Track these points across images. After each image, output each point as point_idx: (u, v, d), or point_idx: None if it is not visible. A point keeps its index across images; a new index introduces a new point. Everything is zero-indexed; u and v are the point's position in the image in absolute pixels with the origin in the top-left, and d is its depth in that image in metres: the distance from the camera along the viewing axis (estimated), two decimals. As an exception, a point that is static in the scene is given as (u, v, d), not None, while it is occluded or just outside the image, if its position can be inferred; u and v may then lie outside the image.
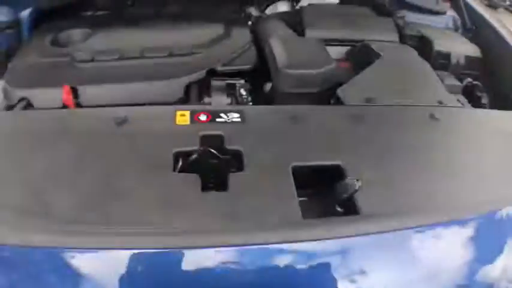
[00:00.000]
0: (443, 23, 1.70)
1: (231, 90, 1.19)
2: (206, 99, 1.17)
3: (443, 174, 0.84)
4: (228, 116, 0.87)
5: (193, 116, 0.87)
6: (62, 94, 1.13)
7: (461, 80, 1.42)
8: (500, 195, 0.81)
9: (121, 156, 0.79)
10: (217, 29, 1.37)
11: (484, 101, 1.27)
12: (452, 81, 1.35)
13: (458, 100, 1.15)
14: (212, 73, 1.21)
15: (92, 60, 1.24)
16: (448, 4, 1.77)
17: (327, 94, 1.12)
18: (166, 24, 1.42)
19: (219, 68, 1.22)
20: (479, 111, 1.17)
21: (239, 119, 0.87)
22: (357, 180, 0.73)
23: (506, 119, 1.07)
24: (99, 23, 1.44)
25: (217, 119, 0.87)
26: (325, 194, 0.81)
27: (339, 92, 1.01)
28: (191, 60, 1.22)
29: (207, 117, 0.87)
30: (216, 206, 0.71)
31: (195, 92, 1.18)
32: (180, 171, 0.77)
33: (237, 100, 1.16)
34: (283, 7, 1.78)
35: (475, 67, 1.39)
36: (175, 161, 0.78)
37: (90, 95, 1.15)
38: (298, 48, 1.17)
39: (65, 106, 1.12)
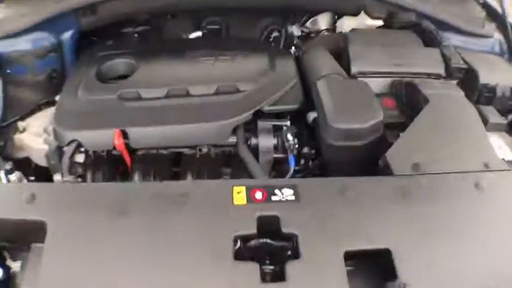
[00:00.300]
0: (489, 47, 1.69)
1: (277, 132, 1.24)
2: (253, 141, 1.23)
3: (481, 253, 0.89)
4: (282, 194, 0.92)
5: (249, 193, 0.92)
6: (112, 137, 1.20)
7: (507, 112, 1.44)
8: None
9: (182, 239, 0.85)
10: (262, 61, 1.39)
11: None
12: (497, 119, 1.37)
13: (504, 160, 1.17)
14: (259, 112, 1.25)
15: (139, 99, 1.28)
16: (493, 25, 1.73)
17: (372, 145, 1.16)
18: (209, 51, 1.43)
19: (266, 108, 1.25)
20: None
21: (293, 197, 0.92)
22: (405, 285, 0.79)
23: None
24: (143, 51, 1.46)
25: (273, 197, 0.92)
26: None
27: (388, 159, 1.04)
28: (238, 100, 1.25)
29: (263, 195, 0.92)
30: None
31: (242, 134, 1.23)
32: (238, 257, 0.84)
33: (283, 142, 1.21)
34: (323, 21, 1.77)
35: None
36: (234, 246, 0.85)
37: (139, 137, 1.21)
38: (347, 96, 1.19)
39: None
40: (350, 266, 0.84)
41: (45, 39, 1.54)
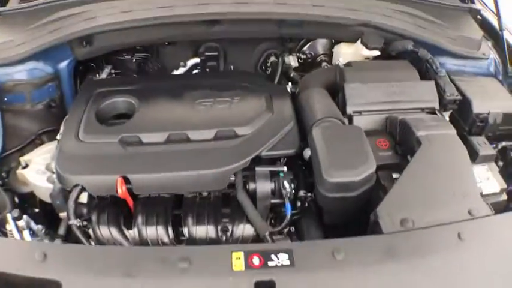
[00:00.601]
0: (485, 68, 1.73)
1: (274, 177, 1.31)
2: (251, 185, 1.30)
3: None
4: (278, 258, 1.01)
5: (247, 258, 1.00)
6: (115, 183, 1.26)
7: (497, 139, 1.51)
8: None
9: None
10: (259, 103, 1.43)
11: None
12: (487, 150, 1.45)
13: (487, 204, 1.24)
14: (256, 157, 1.31)
15: (140, 143, 1.33)
16: (489, 44, 1.76)
17: (365, 193, 1.24)
18: (207, 91, 1.48)
19: (264, 153, 1.31)
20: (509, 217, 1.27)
21: (288, 261, 1.00)
22: None
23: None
24: (142, 89, 1.49)
25: (269, 263, 1.00)
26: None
27: (378, 216, 1.12)
28: (236, 146, 1.31)
29: (260, 260, 1.00)
30: None
31: (240, 179, 1.29)
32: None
33: (280, 188, 1.28)
34: (320, 46, 1.80)
35: None
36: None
37: (141, 184, 1.27)
38: (341, 146, 1.24)
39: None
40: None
41: (41, 69, 1.57)
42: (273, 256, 1.01)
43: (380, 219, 1.12)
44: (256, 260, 1.01)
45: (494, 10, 1.80)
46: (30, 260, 1.03)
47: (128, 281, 0.98)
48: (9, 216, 1.31)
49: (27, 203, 1.50)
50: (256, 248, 1.05)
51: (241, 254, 1.01)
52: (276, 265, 1.00)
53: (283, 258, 1.01)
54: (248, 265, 1.00)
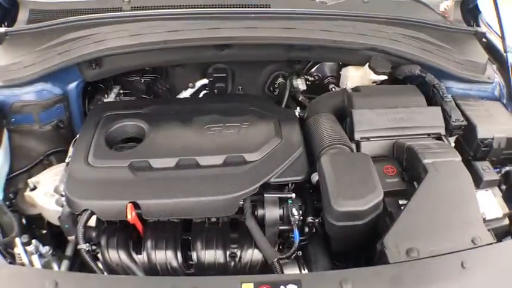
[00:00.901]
0: (489, 92, 1.77)
1: (282, 203, 1.34)
2: (260, 211, 1.33)
3: None
4: (287, 289, 1.04)
5: (257, 289, 1.04)
6: (125, 208, 1.28)
7: (501, 163, 1.55)
8: None
9: None
10: (268, 129, 1.46)
11: None
12: (491, 176, 1.49)
13: (490, 232, 1.28)
14: (265, 183, 1.34)
15: (150, 169, 1.37)
16: (494, 67, 1.81)
17: (372, 220, 1.27)
18: (216, 116, 1.52)
19: (273, 180, 1.34)
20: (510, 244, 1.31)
21: (297, 293, 1.04)
22: None
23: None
24: (151, 113, 1.53)
25: (278, 293, 1.04)
26: None
27: (385, 247, 1.15)
28: (245, 172, 1.34)
29: (269, 291, 1.04)
30: None
31: (249, 205, 1.33)
32: None
33: (288, 214, 1.32)
34: (328, 68, 1.84)
35: None
36: None
37: (151, 209, 1.30)
38: (348, 175, 1.27)
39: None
40: None
41: (49, 90, 1.61)
42: (282, 287, 1.05)
43: (386, 250, 1.15)
44: (265, 291, 1.04)
45: (499, 32, 1.85)
46: None
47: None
48: (18, 241, 1.34)
49: (34, 224, 1.53)
50: (266, 279, 1.08)
51: (251, 286, 1.04)
52: (286, 296, 1.04)
53: (293, 289, 1.05)
54: (258, 296, 1.03)
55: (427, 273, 1.14)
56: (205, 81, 1.91)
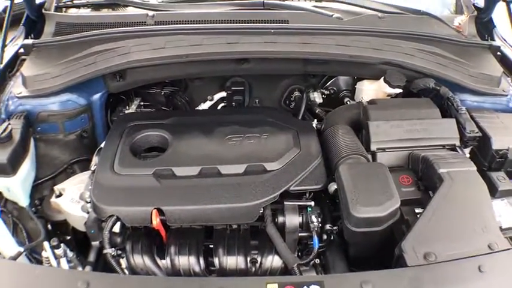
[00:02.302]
0: (504, 104, 1.88)
1: (302, 211, 1.47)
2: (280, 219, 1.45)
3: None
4: (310, 290, 1.16)
5: (282, 289, 1.16)
6: (149, 214, 1.41)
7: None
8: None
9: None
10: (287, 140, 1.60)
11: None
12: (506, 185, 1.60)
13: (506, 238, 1.39)
14: (285, 192, 1.46)
15: (174, 177, 1.50)
16: (509, 80, 1.93)
17: (390, 227, 1.39)
18: (236, 127, 1.65)
19: (292, 188, 1.47)
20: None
21: (320, 294, 1.16)
22: None
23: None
24: (174, 124, 1.67)
25: (302, 293, 1.15)
26: None
27: (404, 251, 1.27)
28: (265, 181, 1.47)
29: (293, 291, 1.16)
30: None
31: (270, 213, 1.45)
32: None
33: (307, 221, 1.44)
34: (343, 82, 1.99)
35: None
36: None
37: (175, 216, 1.42)
38: (366, 183, 1.39)
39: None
40: None
41: (74, 101, 1.75)
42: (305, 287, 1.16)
43: (405, 254, 1.27)
44: (289, 291, 1.16)
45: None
46: None
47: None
48: (46, 245, 1.47)
49: (59, 230, 1.67)
50: (290, 280, 1.19)
51: (275, 286, 1.16)
52: (310, 296, 1.15)
53: (315, 290, 1.16)
54: (282, 295, 1.15)
55: (445, 277, 1.24)
56: (223, 94, 2.06)
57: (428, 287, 1.21)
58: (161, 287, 1.19)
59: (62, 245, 1.47)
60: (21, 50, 1.89)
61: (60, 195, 1.63)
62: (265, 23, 1.90)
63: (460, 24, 2.06)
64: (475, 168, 1.52)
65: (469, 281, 1.23)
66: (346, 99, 2.05)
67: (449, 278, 1.25)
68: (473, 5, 2.20)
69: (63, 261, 1.47)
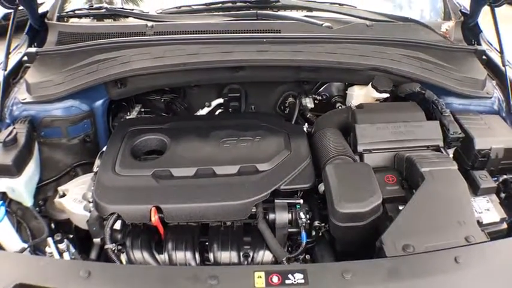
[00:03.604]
0: (489, 106, 2.02)
1: (291, 208, 1.61)
2: (271, 216, 1.60)
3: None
4: (294, 278, 1.29)
5: (268, 277, 1.29)
6: (148, 212, 1.55)
7: (499, 172, 1.80)
8: None
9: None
10: (278, 142, 1.75)
11: None
12: (488, 183, 1.74)
13: (483, 232, 1.51)
14: (275, 190, 1.61)
15: (171, 177, 1.65)
16: (494, 82, 2.08)
17: (373, 222, 1.52)
18: (231, 131, 1.81)
19: (282, 187, 1.61)
20: (503, 243, 1.53)
21: (303, 280, 1.28)
22: None
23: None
24: (172, 128, 1.83)
25: (286, 281, 1.28)
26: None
27: (383, 243, 1.40)
28: (257, 180, 1.61)
29: (278, 279, 1.29)
30: None
31: (261, 210, 1.59)
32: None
33: (297, 218, 1.58)
34: (335, 88, 2.15)
35: None
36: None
37: (172, 213, 1.56)
38: (351, 181, 1.54)
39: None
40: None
41: (77, 107, 1.92)
42: (290, 276, 1.30)
43: (384, 246, 1.41)
44: (275, 279, 1.29)
45: (498, 48, 2.12)
46: (76, 277, 1.30)
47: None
48: (50, 240, 1.62)
49: (62, 229, 1.82)
50: (275, 268, 1.33)
51: (262, 274, 1.29)
52: (292, 283, 1.28)
53: (299, 277, 1.29)
54: (268, 283, 1.27)
55: (422, 267, 1.36)
56: (220, 100, 2.23)
57: (406, 276, 1.33)
58: (158, 274, 1.33)
59: (65, 240, 1.62)
60: (25, 58, 2.05)
61: (63, 195, 1.78)
62: (258, 32, 2.06)
63: (447, 30, 2.21)
64: (456, 167, 1.66)
65: (446, 272, 1.35)
66: (338, 105, 2.20)
67: (427, 268, 1.36)
68: (460, 11, 2.35)
69: (66, 256, 1.62)
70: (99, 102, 1.96)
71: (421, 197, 1.54)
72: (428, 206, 1.52)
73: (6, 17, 6.01)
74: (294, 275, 1.30)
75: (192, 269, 1.43)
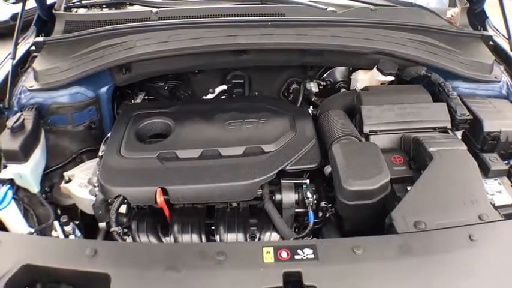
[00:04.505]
0: (497, 90, 1.99)
1: (298, 189, 1.59)
2: (277, 196, 1.57)
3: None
4: (303, 253, 1.27)
5: (276, 252, 1.27)
6: (154, 194, 1.54)
7: (510, 156, 1.77)
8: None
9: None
10: (283, 123, 1.73)
11: None
12: (498, 165, 1.70)
13: (497, 210, 1.48)
14: (281, 171, 1.59)
15: (177, 159, 1.63)
16: (502, 67, 2.05)
17: (381, 201, 1.50)
18: (236, 113, 1.79)
19: (288, 168, 1.59)
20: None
21: (312, 255, 1.26)
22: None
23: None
24: (177, 112, 1.81)
25: (296, 256, 1.26)
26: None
27: (393, 219, 1.38)
28: (263, 161, 1.60)
29: (287, 254, 1.27)
30: None
31: (267, 191, 1.57)
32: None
33: (303, 198, 1.56)
34: (339, 73, 2.13)
35: None
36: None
37: (178, 195, 1.55)
38: (358, 159, 1.51)
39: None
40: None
41: (82, 93, 1.91)
42: (299, 251, 1.27)
43: (394, 222, 1.38)
44: (284, 254, 1.27)
45: (505, 32, 2.10)
46: (82, 256, 1.29)
47: (171, 273, 1.25)
48: (56, 223, 1.60)
49: (68, 214, 1.80)
50: (284, 244, 1.31)
51: (271, 249, 1.27)
52: (302, 258, 1.26)
53: (308, 253, 1.27)
54: (277, 258, 1.25)
55: (436, 244, 1.33)
56: (224, 87, 2.22)
57: (419, 253, 1.30)
58: (164, 251, 1.31)
59: (70, 223, 1.60)
60: (33, 48, 2.06)
61: (69, 180, 1.77)
62: (262, 16, 2.06)
63: (452, 16, 2.20)
64: (465, 147, 1.63)
65: (460, 249, 1.32)
66: (342, 90, 2.18)
67: (440, 245, 1.34)
68: (466, -4, 2.34)
69: (72, 238, 1.60)
70: (104, 89, 1.95)
71: (431, 175, 1.52)
72: (438, 185, 1.50)
73: (14, 17, 6.07)
74: (304, 250, 1.28)
75: (200, 245, 1.41)
